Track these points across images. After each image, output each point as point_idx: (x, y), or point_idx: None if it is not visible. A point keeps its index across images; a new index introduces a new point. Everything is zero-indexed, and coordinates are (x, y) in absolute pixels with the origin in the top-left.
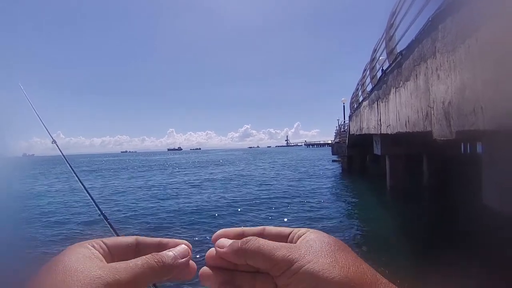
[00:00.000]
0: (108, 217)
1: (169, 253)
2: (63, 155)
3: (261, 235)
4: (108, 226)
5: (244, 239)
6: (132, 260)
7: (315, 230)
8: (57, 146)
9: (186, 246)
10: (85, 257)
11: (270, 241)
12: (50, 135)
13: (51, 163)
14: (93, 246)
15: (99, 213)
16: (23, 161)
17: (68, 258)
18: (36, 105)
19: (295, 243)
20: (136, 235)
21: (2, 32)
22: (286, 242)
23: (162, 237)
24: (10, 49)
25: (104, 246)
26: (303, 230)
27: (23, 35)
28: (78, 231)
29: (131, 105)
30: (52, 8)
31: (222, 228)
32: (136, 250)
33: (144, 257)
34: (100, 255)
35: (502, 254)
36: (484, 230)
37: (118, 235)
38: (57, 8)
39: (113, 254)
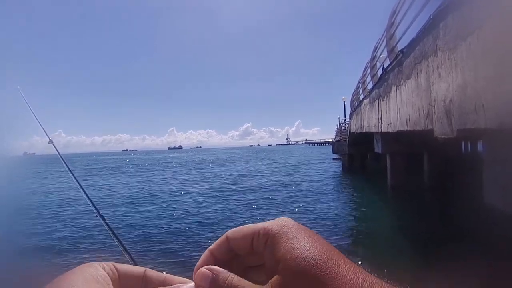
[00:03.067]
0: (114, 231)
1: None
2: (61, 156)
3: (227, 243)
4: (118, 243)
5: (218, 276)
6: None
7: (278, 228)
8: (54, 146)
9: (192, 285)
10: (93, 279)
11: (245, 285)
12: (47, 135)
13: (52, 162)
14: (104, 268)
15: (107, 228)
16: (23, 160)
17: (76, 277)
18: (36, 104)
19: (262, 247)
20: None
21: (1, 32)
22: (252, 244)
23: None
24: (10, 49)
25: (115, 270)
26: (265, 230)
27: (23, 33)
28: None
29: (132, 104)
30: (53, 7)
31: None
32: (143, 283)
33: None
34: (109, 279)
35: (503, 253)
36: (485, 229)
37: (131, 257)
38: (58, 7)
39: (122, 281)
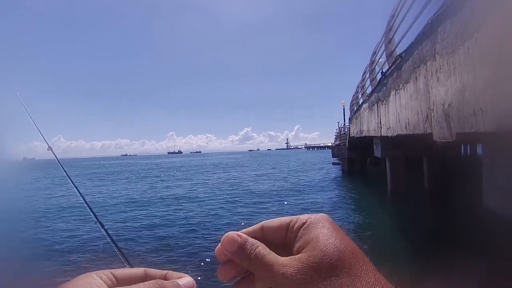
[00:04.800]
0: (114, 238)
1: (174, 283)
2: (60, 163)
3: (261, 232)
4: (117, 252)
5: (246, 243)
6: (134, 285)
7: (316, 218)
8: (53, 153)
9: (191, 279)
10: None
11: (272, 256)
12: (47, 142)
13: (52, 168)
14: (100, 277)
15: (106, 236)
16: (23, 165)
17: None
18: (35, 110)
19: (295, 235)
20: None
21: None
22: (286, 234)
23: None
24: (8, 53)
25: (113, 278)
26: (302, 219)
27: (23, 38)
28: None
29: (131, 109)
30: (54, 7)
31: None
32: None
33: (147, 282)
34: (106, 287)
35: (502, 255)
36: (485, 232)
37: (128, 262)
38: (58, 8)
39: (122, 286)
